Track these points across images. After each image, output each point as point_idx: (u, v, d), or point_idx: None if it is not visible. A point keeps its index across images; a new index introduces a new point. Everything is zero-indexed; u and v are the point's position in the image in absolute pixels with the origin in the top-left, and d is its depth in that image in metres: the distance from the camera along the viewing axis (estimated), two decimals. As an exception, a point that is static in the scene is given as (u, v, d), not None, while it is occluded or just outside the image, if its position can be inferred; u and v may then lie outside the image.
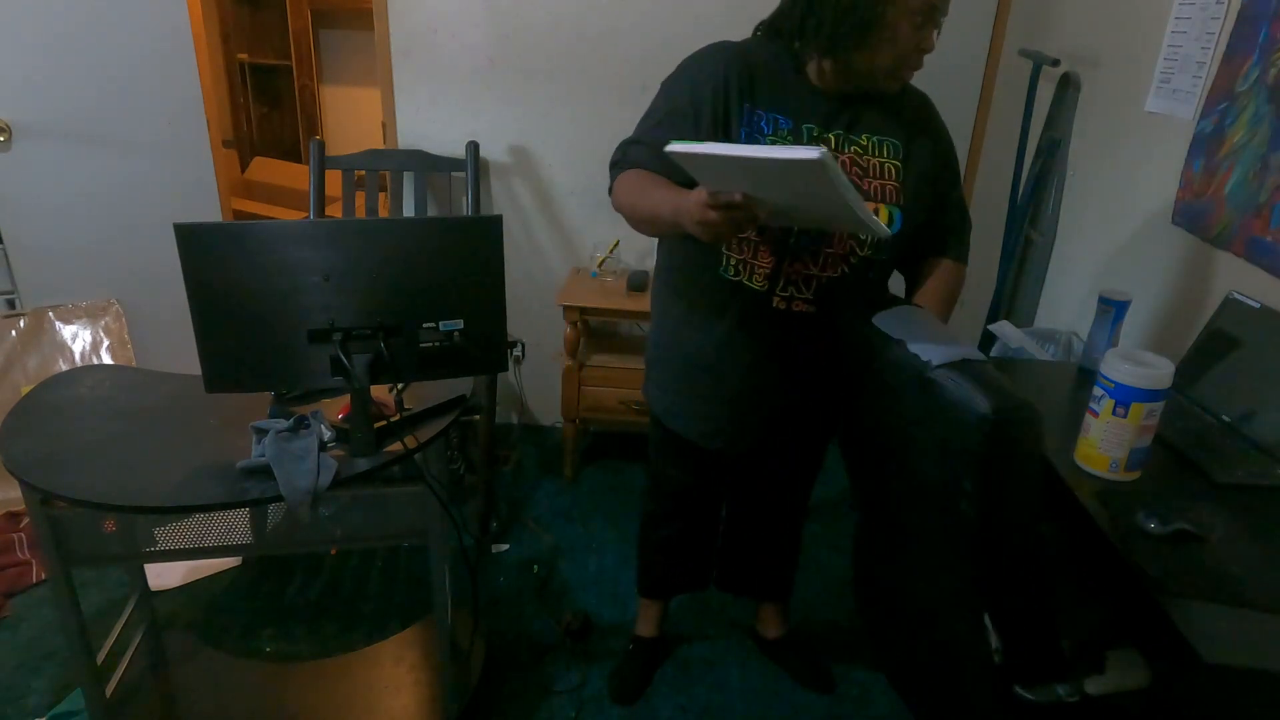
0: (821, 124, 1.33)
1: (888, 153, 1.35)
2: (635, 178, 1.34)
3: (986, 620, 1.02)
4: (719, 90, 1.32)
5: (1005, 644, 1.02)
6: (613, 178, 1.39)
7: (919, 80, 1.36)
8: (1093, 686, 1.08)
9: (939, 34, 1.29)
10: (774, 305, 1.38)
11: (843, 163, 1.32)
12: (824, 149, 0.91)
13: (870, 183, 1.34)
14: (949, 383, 0.94)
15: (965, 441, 0.92)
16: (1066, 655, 1.12)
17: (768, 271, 1.36)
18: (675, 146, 1.07)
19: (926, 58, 1.29)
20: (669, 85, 1.39)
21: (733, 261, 1.38)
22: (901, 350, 1.04)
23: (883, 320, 1.14)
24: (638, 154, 1.35)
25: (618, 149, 1.41)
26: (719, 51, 1.36)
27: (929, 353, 1.00)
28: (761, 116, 1.32)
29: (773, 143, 1.31)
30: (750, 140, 1.31)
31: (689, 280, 1.47)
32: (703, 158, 1.07)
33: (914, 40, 1.24)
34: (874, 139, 1.35)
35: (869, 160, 1.34)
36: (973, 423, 0.90)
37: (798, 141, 1.31)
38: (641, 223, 1.36)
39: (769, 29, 1.37)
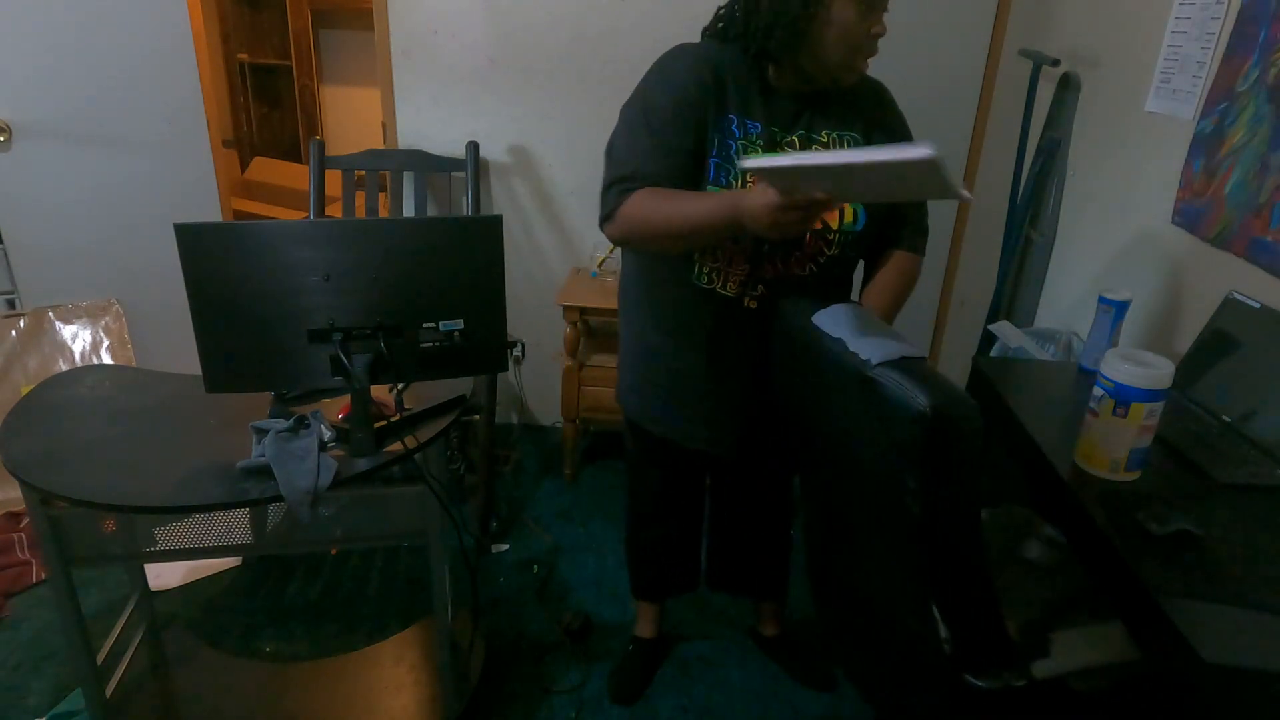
0: (784, 126, 1.33)
1: (848, 148, 1.35)
2: (655, 194, 1.29)
3: (935, 611, 1.03)
4: (698, 97, 1.30)
5: (953, 634, 1.03)
6: (616, 202, 1.31)
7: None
8: (1039, 670, 1.09)
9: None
10: (745, 306, 1.39)
11: None
12: (933, 146, 0.90)
13: None
14: (888, 381, 0.94)
15: (906, 439, 0.93)
16: (1013, 640, 1.13)
17: (742, 278, 1.37)
18: (754, 163, 1.06)
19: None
20: (649, 97, 1.34)
21: (706, 269, 1.38)
22: (841, 349, 1.05)
23: (822, 319, 1.13)
24: (651, 168, 1.30)
25: (611, 168, 1.34)
26: (685, 56, 1.34)
27: (868, 351, 1.00)
28: (732, 121, 1.32)
29: (744, 148, 1.31)
30: (722, 147, 1.31)
31: (659, 289, 1.47)
32: (786, 168, 1.06)
33: (863, 27, 1.24)
34: (834, 134, 1.35)
35: None
36: (913, 419, 0.90)
37: (769, 146, 1.32)
38: (670, 237, 1.31)
39: (716, 34, 1.36)
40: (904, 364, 0.96)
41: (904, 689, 1.21)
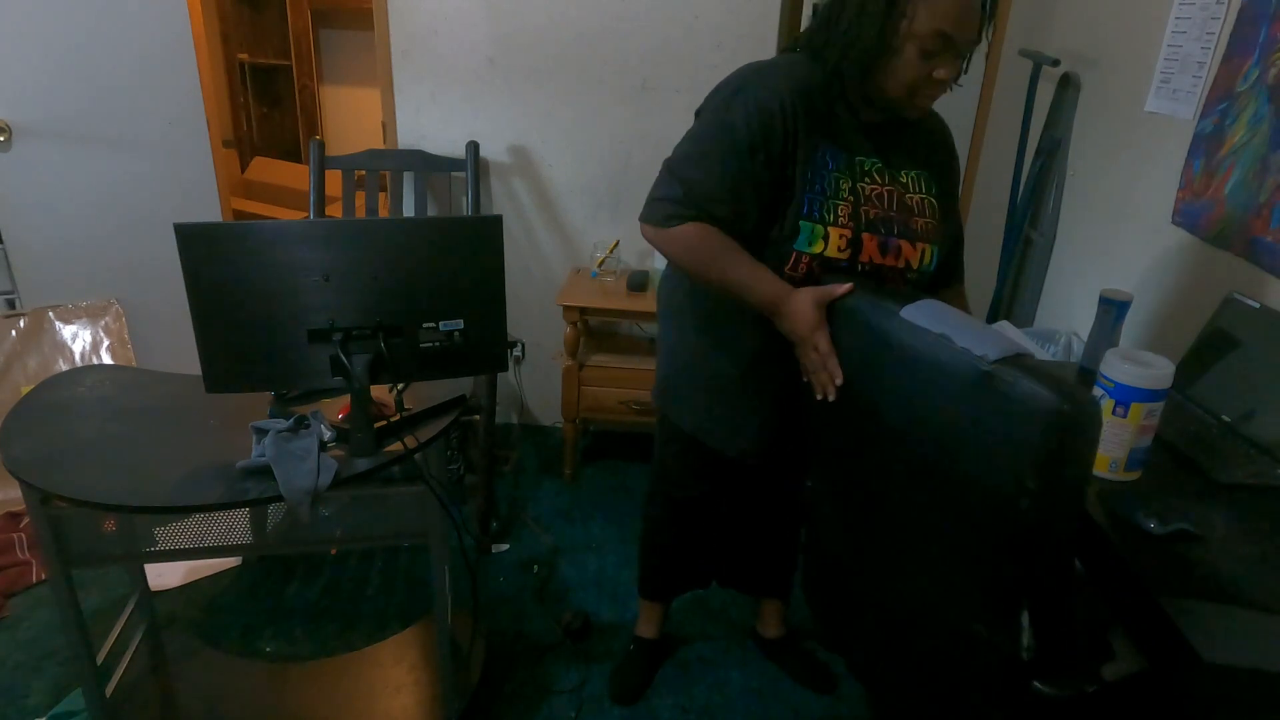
0: (874, 156, 1.32)
1: (924, 188, 1.36)
2: (710, 236, 1.28)
3: (1024, 619, 1.00)
4: (788, 123, 1.26)
5: (1040, 641, 1.00)
6: (664, 219, 1.28)
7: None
8: (1109, 672, 1.06)
9: (968, 64, 1.30)
10: None
11: (879, 195, 1.32)
12: None
13: (917, 221, 1.34)
14: (1013, 378, 0.89)
15: (1032, 437, 0.88)
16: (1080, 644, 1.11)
17: None
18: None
19: None
20: (724, 113, 1.27)
21: None
22: (946, 344, 0.98)
23: (914, 314, 1.06)
24: (714, 198, 1.27)
25: (671, 182, 1.29)
26: (774, 75, 1.27)
27: (982, 347, 0.94)
28: (821, 149, 1.28)
29: (836, 179, 1.29)
30: (816, 179, 1.28)
31: (716, 302, 1.44)
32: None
33: (924, 69, 1.22)
34: (911, 174, 1.36)
35: (911, 198, 1.35)
36: (1040, 418, 0.86)
37: (852, 174, 1.30)
38: (706, 281, 1.35)
39: (809, 49, 1.30)
40: (1020, 360, 0.91)
41: (949, 699, 1.17)
